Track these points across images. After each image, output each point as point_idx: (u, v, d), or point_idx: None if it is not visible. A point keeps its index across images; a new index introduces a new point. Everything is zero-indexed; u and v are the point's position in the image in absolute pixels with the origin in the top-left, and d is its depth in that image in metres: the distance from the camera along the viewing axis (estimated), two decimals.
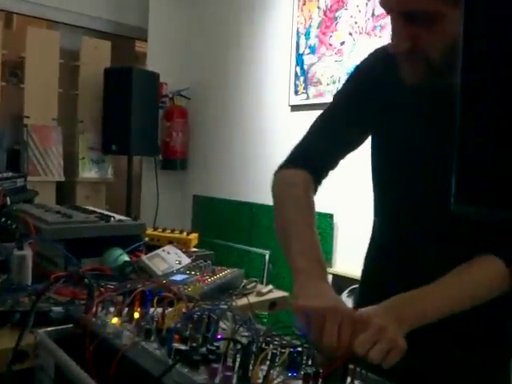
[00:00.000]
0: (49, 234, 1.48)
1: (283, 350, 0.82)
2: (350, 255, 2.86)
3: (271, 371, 0.75)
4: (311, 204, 1.11)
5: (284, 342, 0.86)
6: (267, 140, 3.41)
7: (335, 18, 3.04)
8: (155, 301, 0.95)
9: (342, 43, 2.98)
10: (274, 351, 0.82)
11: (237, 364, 0.77)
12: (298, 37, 3.26)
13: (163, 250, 1.65)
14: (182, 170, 4.12)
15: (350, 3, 2.96)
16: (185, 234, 2.00)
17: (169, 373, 0.72)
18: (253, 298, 1.58)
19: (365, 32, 2.86)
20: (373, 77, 1.11)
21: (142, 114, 3.56)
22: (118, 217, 1.74)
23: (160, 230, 2.01)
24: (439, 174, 1.03)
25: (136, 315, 0.95)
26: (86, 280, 1.16)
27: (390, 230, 1.17)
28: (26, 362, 1.04)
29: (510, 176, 0.43)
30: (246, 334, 0.92)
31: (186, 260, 1.65)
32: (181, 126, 3.99)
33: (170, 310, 0.95)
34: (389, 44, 0.97)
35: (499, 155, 0.44)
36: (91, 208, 1.95)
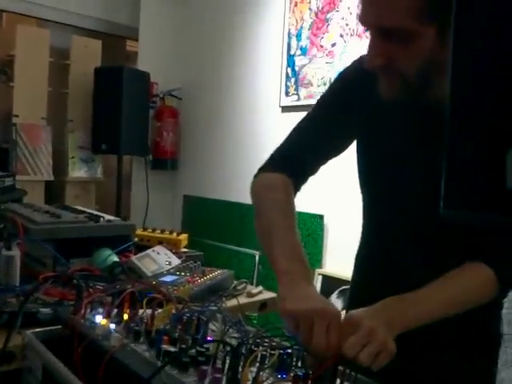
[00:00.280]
0: (37, 234, 1.47)
1: (273, 352, 0.82)
2: (340, 256, 2.87)
3: (261, 373, 0.75)
4: (292, 205, 1.11)
5: (274, 344, 0.86)
6: (258, 141, 3.41)
7: (326, 20, 3.04)
8: (144, 302, 0.95)
9: (333, 45, 2.98)
10: (264, 353, 0.82)
11: (226, 366, 0.77)
12: (290, 38, 3.27)
13: (153, 251, 1.65)
14: (172, 170, 4.10)
15: (341, 5, 2.97)
16: (175, 234, 1.99)
17: (158, 375, 0.72)
18: (243, 299, 1.58)
19: (356, 34, 2.86)
20: (356, 84, 1.12)
21: (132, 114, 3.54)
22: (107, 217, 1.73)
23: (150, 231, 2.01)
24: (421, 180, 1.04)
25: (125, 316, 0.94)
26: (75, 281, 1.15)
27: (375, 233, 1.18)
28: (14, 363, 1.04)
29: (499, 180, 0.43)
30: (236, 335, 0.92)
31: (175, 261, 1.65)
32: (171, 125, 3.98)
33: (159, 311, 0.95)
34: (364, 59, 0.98)
35: (488, 160, 0.45)
36: (80, 208, 1.94)
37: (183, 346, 0.83)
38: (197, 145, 3.99)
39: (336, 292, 2.80)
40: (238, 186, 3.47)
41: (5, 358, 1.02)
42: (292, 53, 3.25)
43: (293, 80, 3.24)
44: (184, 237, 2.00)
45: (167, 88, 3.98)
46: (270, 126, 3.35)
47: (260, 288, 1.69)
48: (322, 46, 3.06)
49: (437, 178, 0.99)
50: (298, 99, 3.20)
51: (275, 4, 3.38)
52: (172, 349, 0.81)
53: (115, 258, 1.57)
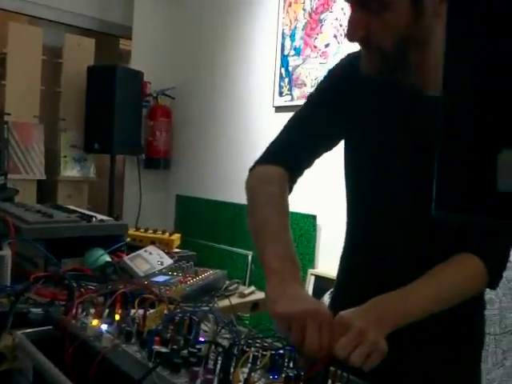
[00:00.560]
0: (29, 234, 1.46)
1: (265, 353, 0.82)
2: (332, 256, 2.85)
3: (252, 374, 0.75)
4: (286, 203, 1.11)
5: (265, 345, 0.86)
6: (251, 141, 3.41)
7: (320, 21, 3.05)
8: (136, 302, 0.95)
9: (327, 45, 2.99)
10: (256, 354, 0.82)
11: (218, 367, 0.77)
12: (283, 38, 3.27)
13: (145, 251, 1.64)
14: (165, 169, 4.09)
15: (335, 6, 2.97)
16: (167, 234, 1.99)
17: (149, 376, 0.72)
18: (235, 300, 1.58)
19: None
20: (342, 82, 1.14)
21: (125, 113, 3.53)
22: (99, 217, 1.73)
23: (142, 231, 2.00)
24: (407, 176, 1.05)
25: (117, 317, 0.94)
26: (66, 281, 1.15)
27: (360, 231, 1.19)
28: (4, 364, 1.03)
29: (489, 182, 0.43)
30: (228, 336, 0.92)
31: (168, 261, 1.64)
32: (164, 125, 3.97)
33: (151, 311, 0.95)
34: (352, 57, 1.02)
35: (479, 161, 0.45)
36: (72, 207, 1.93)
37: (175, 346, 0.82)
38: (190, 144, 3.99)
39: (328, 292, 2.81)
40: (231, 186, 3.47)
41: None
42: (286, 53, 3.25)
43: (286, 80, 3.24)
44: (176, 237, 1.99)
45: (160, 87, 3.97)
46: (264, 125, 3.35)
47: (252, 288, 1.69)
48: (315, 47, 3.06)
49: (422, 174, 1.02)
50: (292, 99, 3.20)
51: (269, 4, 3.38)
52: (164, 349, 0.81)
53: (107, 258, 1.57)
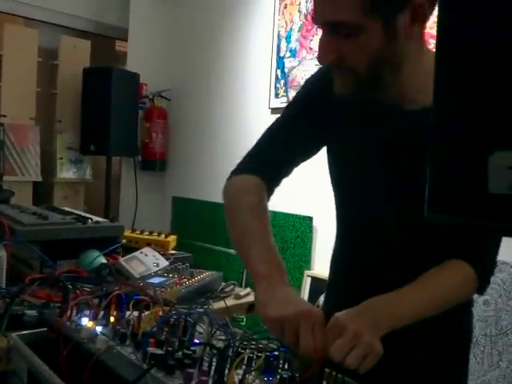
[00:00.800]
0: (23, 236, 1.46)
1: (259, 354, 0.82)
2: (328, 258, 2.86)
3: (247, 375, 0.75)
4: (265, 210, 1.11)
5: (260, 346, 0.86)
6: (247, 142, 3.40)
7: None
8: (131, 304, 0.95)
9: None
10: (251, 355, 0.82)
11: (213, 368, 0.77)
12: (279, 40, 3.27)
13: (141, 253, 1.64)
14: (161, 171, 4.09)
15: None
16: (163, 236, 1.98)
17: (143, 378, 0.71)
18: (231, 301, 1.58)
19: None
20: (320, 93, 1.14)
21: (121, 115, 3.53)
22: (95, 218, 1.73)
23: (138, 232, 2.00)
24: (383, 181, 1.07)
25: (112, 319, 0.94)
26: (61, 283, 1.15)
27: (346, 234, 1.20)
28: None
29: (482, 183, 0.43)
30: (223, 337, 0.92)
31: (163, 262, 1.64)
32: (161, 127, 3.97)
33: (146, 313, 0.95)
34: (316, 56, 1.00)
35: (472, 163, 0.45)
36: (68, 209, 1.93)
37: (170, 348, 0.82)
38: (186, 146, 3.99)
39: (324, 293, 2.81)
40: None
41: None
42: (281, 55, 3.25)
43: (282, 82, 3.24)
44: (172, 238, 1.99)
45: (156, 89, 3.97)
46: (260, 127, 3.32)
47: (248, 290, 1.69)
48: (311, 49, 3.07)
49: (397, 179, 1.03)
50: (288, 101, 3.20)
51: (265, 6, 3.39)
52: (158, 351, 0.81)
53: (103, 260, 1.56)
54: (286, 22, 3.23)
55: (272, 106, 3.30)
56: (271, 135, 1.20)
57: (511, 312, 2.14)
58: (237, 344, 0.83)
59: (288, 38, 3.22)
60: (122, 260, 1.57)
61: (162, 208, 4.12)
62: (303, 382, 0.77)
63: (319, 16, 0.94)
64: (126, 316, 0.94)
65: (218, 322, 0.93)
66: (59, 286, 1.25)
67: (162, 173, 4.12)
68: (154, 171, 4.06)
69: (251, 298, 1.65)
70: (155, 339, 0.84)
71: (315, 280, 2.94)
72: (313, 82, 1.19)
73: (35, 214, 1.67)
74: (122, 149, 3.65)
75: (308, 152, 1.20)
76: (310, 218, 2.98)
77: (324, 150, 1.21)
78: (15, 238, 1.45)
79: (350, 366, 0.83)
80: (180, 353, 0.80)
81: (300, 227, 3.01)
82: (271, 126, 1.21)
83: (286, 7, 3.23)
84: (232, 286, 1.69)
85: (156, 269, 1.58)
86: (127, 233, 1.94)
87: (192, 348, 0.82)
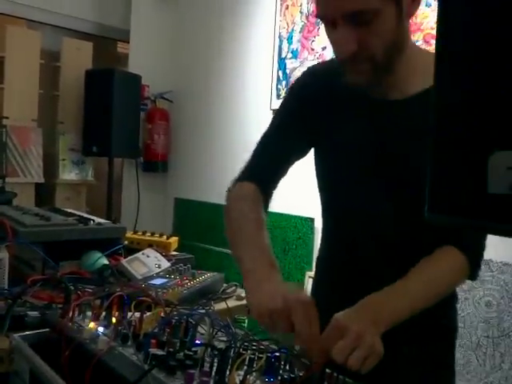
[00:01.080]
0: (26, 237, 1.46)
1: (261, 355, 0.82)
2: None
3: (248, 376, 0.75)
4: (259, 214, 1.13)
5: (262, 347, 0.86)
6: (249, 143, 3.41)
7: (317, 23, 3.05)
8: (132, 305, 0.95)
9: (324, 48, 2.99)
10: (252, 356, 0.82)
11: (214, 369, 0.77)
12: (281, 41, 3.28)
13: (143, 254, 1.64)
14: (163, 172, 4.10)
15: None
16: (165, 237, 1.99)
17: (144, 378, 0.72)
18: (232, 302, 1.58)
19: None
20: (310, 93, 1.17)
21: (123, 116, 3.54)
22: (97, 220, 1.73)
23: (140, 234, 2.00)
24: (376, 178, 1.08)
25: (113, 320, 0.94)
26: (63, 284, 1.15)
27: (334, 232, 1.22)
28: (1, 366, 1.03)
29: (482, 184, 0.43)
30: (225, 338, 0.92)
31: (165, 264, 1.65)
32: (162, 128, 3.98)
33: (147, 314, 0.95)
34: (335, 52, 1.01)
35: (472, 163, 0.45)
36: (70, 210, 1.93)
37: (171, 349, 0.82)
38: (188, 147, 3.99)
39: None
40: None
41: None
42: (283, 56, 3.26)
43: (284, 83, 3.24)
44: (174, 240, 1.99)
45: (158, 90, 3.98)
46: (261, 128, 3.35)
47: None
48: (312, 49, 3.07)
49: (387, 174, 1.04)
50: None
51: (266, 7, 3.39)
52: (160, 352, 0.81)
53: (105, 261, 1.57)
54: (287, 23, 3.23)
55: (273, 107, 3.31)
56: (263, 141, 1.23)
57: None
58: (238, 345, 0.84)
59: (289, 39, 3.22)
60: (123, 261, 1.57)
61: (163, 209, 4.12)
62: (304, 383, 0.77)
63: (334, 9, 0.94)
64: (128, 317, 0.94)
65: (219, 322, 0.93)
66: (61, 287, 1.25)
67: (163, 174, 4.12)
68: (156, 172, 4.07)
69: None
70: (157, 340, 0.84)
71: None
72: (299, 86, 1.21)
73: (37, 215, 1.67)
74: (124, 150, 3.66)
75: (300, 152, 1.22)
76: (312, 220, 2.98)
77: None
78: (17, 239, 1.45)
79: (352, 368, 0.83)
80: (181, 353, 0.80)
81: (302, 228, 3.01)
82: (264, 133, 1.24)
83: (287, 8, 3.24)
84: (234, 287, 1.69)
85: (158, 270, 1.59)
86: (129, 234, 1.94)
87: (193, 349, 0.82)
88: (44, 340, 0.97)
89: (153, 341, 0.84)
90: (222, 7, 3.70)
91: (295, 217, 3.00)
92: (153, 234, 2.00)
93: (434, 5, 2.45)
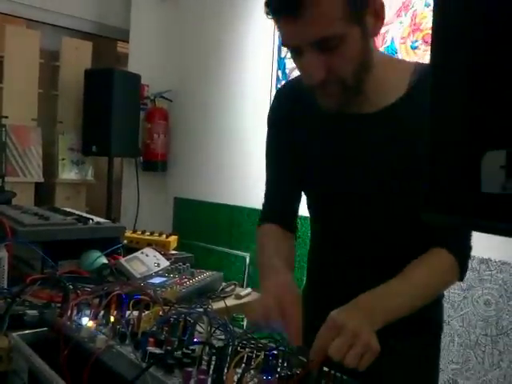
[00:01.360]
0: (24, 236, 1.46)
1: (258, 353, 0.82)
2: None
3: (246, 374, 0.75)
4: (281, 245, 1.21)
5: (259, 345, 0.87)
6: (248, 143, 3.41)
7: None
8: (131, 304, 0.95)
9: None
10: (250, 354, 0.82)
11: (212, 367, 0.77)
12: (280, 41, 3.28)
13: (141, 253, 1.65)
14: (163, 171, 4.10)
15: None
16: (164, 236, 1.99)
17: (142, 376, 0.72)
18: (231, 301, 1.58)
19: None
20: (286, 117, 1.19)
21: (122, 116, 3.54)
22: (96, 219, 1.73)
23: (139, 233, 2.00)
24: (366, 180, 1.09)
25: (111, 318, 0.94)
26: (62, 283, 1.15)
27: (324, 232, 1.24)
28: (0, 365, 1.03)
29: (476, 183, 0.44)
30: (223, 337, 0.92)
31: (164, 263, 1.65)
32: (162, 127, 3.98)
33: (146, 313, 0.95)
34: (304, 79, 1.01)
35: (467, 163, 0.45)
36: (69, 210, 1.94)
37: (169, 347, 0.83)
38: (187, 147, 3.99)
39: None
40: (228, 188, 3.47)
41: None
42: (282, 55, 3.26)
43: (283, 83, 3.24)
44: (173, 239, 2.00)
45: (158, 90, 3.98)
46: (261, 128, 3.35)
47: (249, 290, 1.69)
48: None
49: (380, 178, 1.05)
50: None
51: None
52: (158, 351, 0.81)
53: (104, 260, 1.57)
54: None
55: None
56: (267, 179, 1.27)
57: None
58: (236, 343, 0.84)
59: None
60: (122, 260, 1.57)
61: (163, 208, 4.12)
62: (302, 381, 0.78)
63: (302, 37, 0.94)
64: (126, 316, 0.94)
65: (217, 321, 0.93)
66: (60, 287, 1.25)
67: (163, 173, 4.12)
68: (156, 172, 4.07)
69: (252, 298, 1.65)
70: (155, 339, 0.85)
71: None
72: (271, 113, 1.27)
73: (37, 214, 1.67)
74: (124, 150, 3.66)
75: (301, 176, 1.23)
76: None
77: None
78: (17, 239, 1.46)
79: (349, 365, 0.84)
80: (179, 352, 0.80)
81: (301, 228, 3.00)
82: (266, 166, 1.28)
83: None
84: (233, 286, 1.69)
85: (157, 269, 1.59)
86: (128, 233, 1.94)
87: (191, 347, 0.82)
88: (43, 339, 0.97)
89: (151, 339, 0.84)
90: (222, 7, 3.70)
91: None
92: (152, 233, 2.00)
93: None
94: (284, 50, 3.24)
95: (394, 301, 0.98)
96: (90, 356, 0.80)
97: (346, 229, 1.14)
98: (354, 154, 1.09)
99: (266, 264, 1.12)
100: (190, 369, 0.75)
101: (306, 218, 1.30)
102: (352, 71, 0.96)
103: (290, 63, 3.21)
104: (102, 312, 0.96)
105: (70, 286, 1.14)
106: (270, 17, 0.99)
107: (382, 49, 2.59)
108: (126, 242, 1.85)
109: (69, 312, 0.97)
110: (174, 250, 1.99)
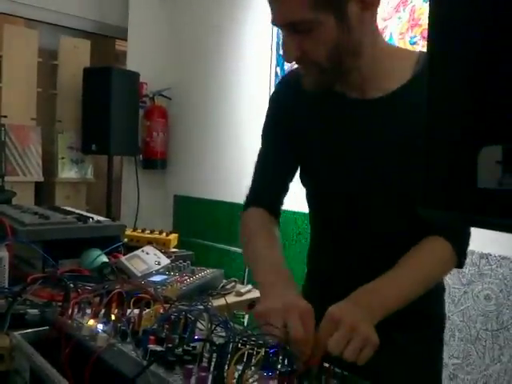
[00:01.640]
0: (25, 236, 1.47)
1: (259, 350, 0.82)
2: None
3: (246, 371, 0.76)
4: (268, 230, 1.20)
5: (260, 342, 0.87)
6: (247, 140, 3.41)
7: None
8: (131, 302, 0.95)
9: None
10: (250, 351, 0.82)
11: (213, 364, 0.77)
12: (279, 37, 3.27)
13: (142, 251, 1.65)
14: (162, 169, 4.10)
15: None
16: (164, 234, 1.99)
17: (143, 374, 0.72)
18: (232, 298, 1.59)
19: None
20: (288, 104, 1.21)
21: (121, 114, 3.54)
22: (96, 217, 1.73)
23: (139, 231, 2.01)
24: (363, 170, 1.09)
25: (112, 317, 0.95)
26: (63, 282, 1.16)
27: (322, 223, 1.24)
28: (1, 364, 1.04)
29: (473, 178, 0.44)
30: (223, 334, 0.92)
31: (165, 260, 1.65)
32: (161, 125, 3.98)
33: (147, 311, 0.96)
34: (282, 56, 1.07)
35: (464, 158, 0.46)
36: (70, 209, 1.94)
37: (170, 345, 0.83)
38: (187, 144, 3.99)
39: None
40: (228, 186, 3.48)
41: None
42: (281, 52, 3.26)
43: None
44: (174, 236, 2.00)
45: (157, 88, 3.98)
46: (260, 127, 3.35)
47: (249, 287, 1.70)
48: None
49: (372, 171, 1.06)
50: None
51: (264, 2, 3.38)
52: (159, 348, 0.82)
53: (104, 259, 1.57)
54: None
55: None
56: (261, 162, 1.27)
57: None
58: (236, 340, 0.84)
59: None
60: (123, 258, 1.58)
61: (163, 206, 4.12)
62: (302, 377, 0.78)
63: (277, 18, 1.02)
64: (127, 314, 0.95)
65: (218, 318, 0.93)
66: (61, 285, 1.25)
67: (163, 171, 4.13)
68: (156, 170, 4.07)
69: (252, 295, 1.66)
70: (156, 336, 0.85)
71: None
72: (275, 98, 1.27)
73: (37, 213, 1.68)
74: (123, 148, 3.66)
75: (297, 163, 1.24)
76: None
77: None
78: (17, 238, 1.46)
79: (348, 360, 0.84)
80: (180, 349, 0.80)
81: (301, 224, 3.02)
82: (258, 153, 1.28)
83: None
84: (233, 283, 1.69)
85: (157, 267, 1.59)
86: (129, 231, 1.95)
87: (192, 344, 0.83)
88: (44, 338, 0.97)
89: (152, 337, 0.84)
90: (220, 4, 3.70)
91: (294, 212, 3.00)
92: (152, 231, 2.00)
93: None
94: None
95: (392, 291, 0.98)
96: (91, 354, 0.80)
97: (345, 223, 1.14)
98: (354, 141, 1.10)
99: (263, 255, 1.11)
100: (190, 366, 0.75)
101: (306, 214, 1.30)
102: (325, 55, 0.99)
103: None
104: (103, 310, 0.97)
105: (71, 285, 1.14)
106: None
107: None
108: (126, 240, 1.86)
109: (70, 311, 0.97)
110: (174, 247, 1.99)
